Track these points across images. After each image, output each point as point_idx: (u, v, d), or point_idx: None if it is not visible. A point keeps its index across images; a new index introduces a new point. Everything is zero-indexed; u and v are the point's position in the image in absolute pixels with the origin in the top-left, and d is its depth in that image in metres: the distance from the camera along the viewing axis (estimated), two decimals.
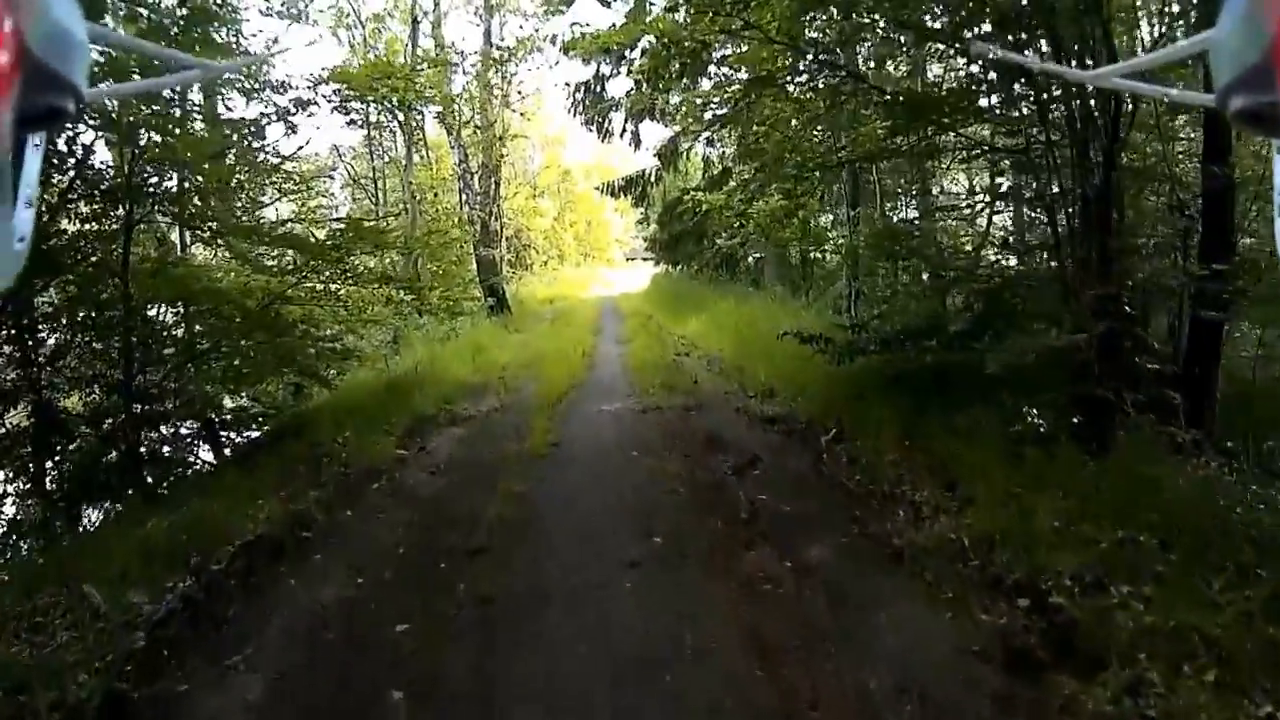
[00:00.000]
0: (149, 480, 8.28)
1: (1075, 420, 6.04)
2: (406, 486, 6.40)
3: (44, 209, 7.08)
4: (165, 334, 8.76)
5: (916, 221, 12.35)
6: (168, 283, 7.89)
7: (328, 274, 8.84)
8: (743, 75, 9.49)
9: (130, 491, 7.98)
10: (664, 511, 5.36)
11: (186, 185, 7.72)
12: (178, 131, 7.31)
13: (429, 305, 10.96)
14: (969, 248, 9.78)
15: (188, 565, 4.82)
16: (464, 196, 21.20)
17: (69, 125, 7.01)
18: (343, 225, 9.34)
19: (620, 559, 4.62)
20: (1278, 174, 0.65)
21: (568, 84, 19.13)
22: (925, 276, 9.45)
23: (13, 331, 7.57)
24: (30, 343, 7.81)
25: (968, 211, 11.16)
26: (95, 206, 7.61)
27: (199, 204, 8.13)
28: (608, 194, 21.03)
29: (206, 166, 7.39)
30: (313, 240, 8.99)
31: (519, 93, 21.20)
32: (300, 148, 13.18)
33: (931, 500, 5.05)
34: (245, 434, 10.05)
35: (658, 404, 8.50)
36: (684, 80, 10.38)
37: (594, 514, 5.41)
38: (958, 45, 7.08)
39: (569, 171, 38.31)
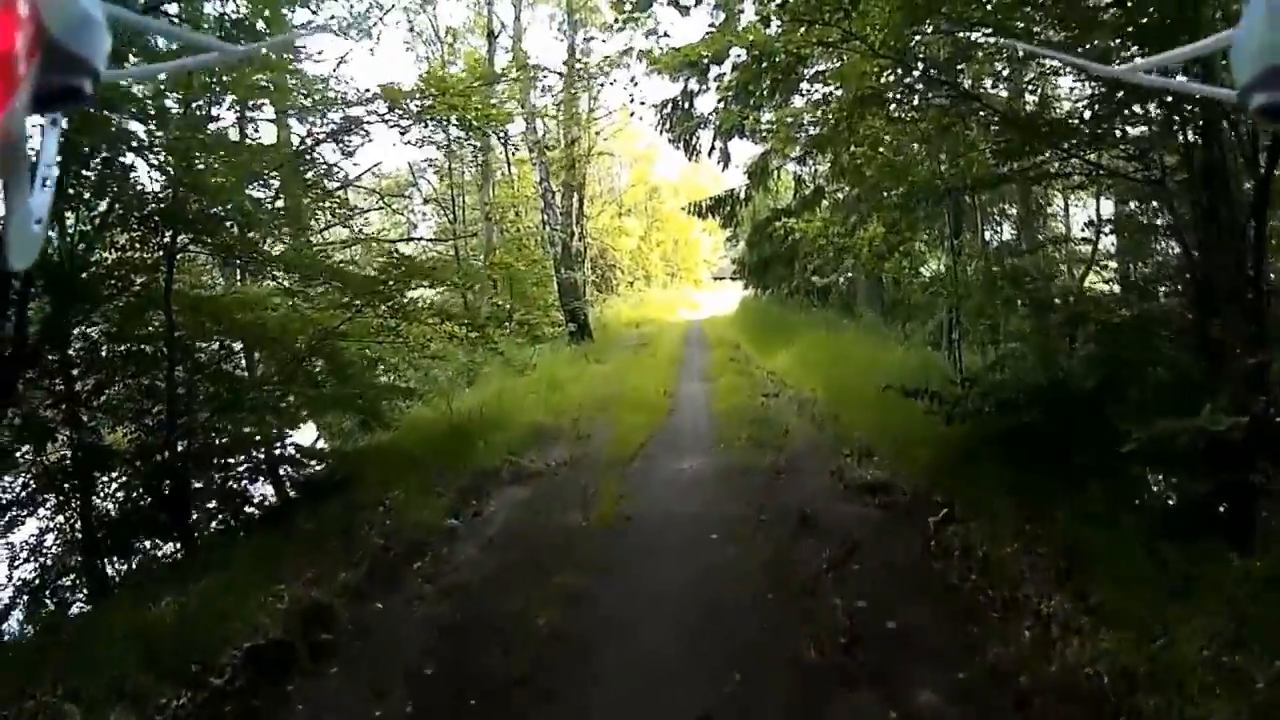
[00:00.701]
0: (193, 519, 7.79)
1: (1219, 508, 5.06)
2: (451, 568, 5.60)
3: (81, 237, 6.71)
4: (214, 368, 8.20)
5: (1023, 254, 11.25)
6: (210, 315, 7.34)
7: (382, 309, 8.17)
8: (839, 93, 8.45)
9: (172, 535, 7.54)
10: (747, 628, 4.40)
11: (225, 211, 7.13)
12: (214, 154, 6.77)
13: (492, 343, 10.15)
14: (1076, 285, 8.77)
15: (185, 677, 4.14)
16: (545, 216, 20.51)
17: (110, 147, 6.64)
18: (392, 261, 8.65)
19: (689, 707, 3.66)
20: None
21: (642, 102, 18.18)
22: (1029, 314, 8.20)
23: (53, 363, 7.16)
24: (70, 374, 7.37)
25: (1082, 245, 10.04)
26: (134, 234, 7.13)
27: (236, 233, 7.54)
28: (695, 214, 19.84)
29: (247, 193, 6.79)
30: (360, 275, 8.33)
31: (604, 109, 20.51)
32: (370, 169, 12.73)
33: (1059, 612, 4.06)
34: (305, 471, 9.44)
35: (743, 463, 7.55)
36: (775, 98, 9.41)
37: (662, 631, 4.46)
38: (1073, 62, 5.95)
39: (656, 189, 37.12)
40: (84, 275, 6.78)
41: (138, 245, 7.24)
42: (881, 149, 8.56)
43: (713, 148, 16.58)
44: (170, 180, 6.76)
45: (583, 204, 23.47)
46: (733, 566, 5.20)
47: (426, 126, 9.18)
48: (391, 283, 7.97)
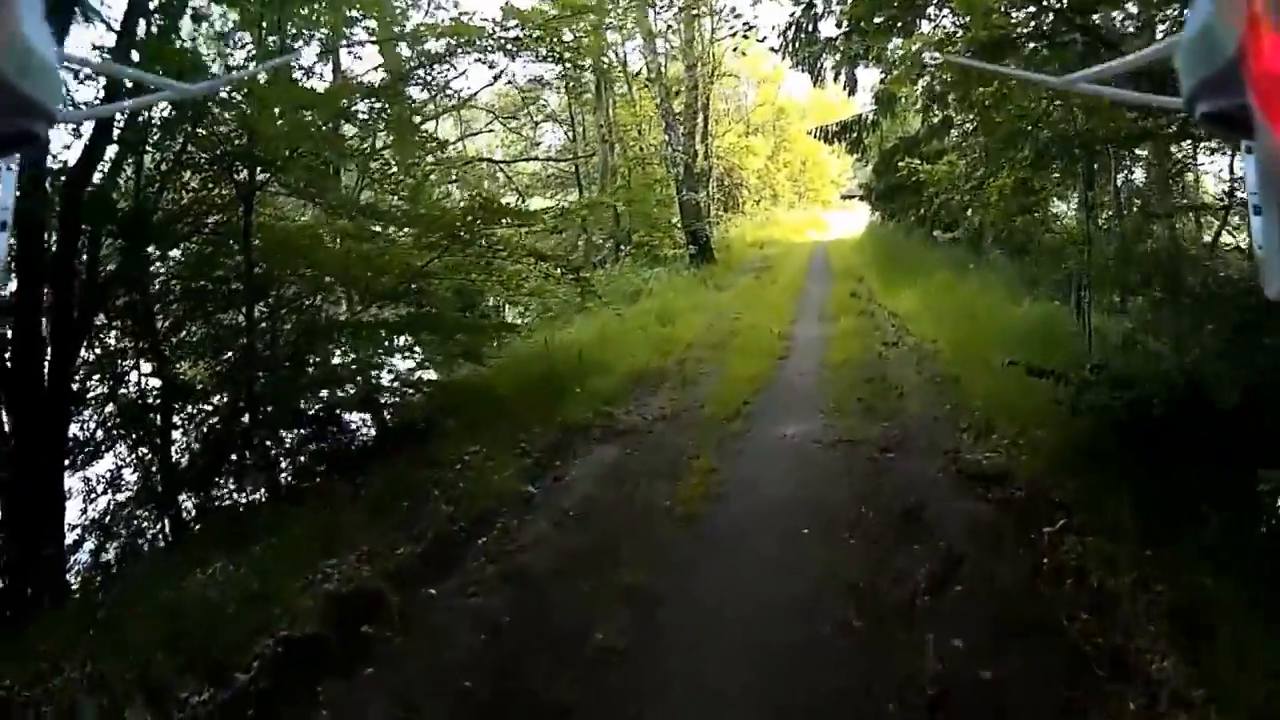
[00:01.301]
0: (275, 457, 7.63)
1: None
2: (517, 547, 5.06)
3: (149, 180, 6.49)
4: (297, 304, 7.90)
5: (1159, 218, 10.09)
6: (293, 252, 6.97)
7: (468, 251, 7.60)
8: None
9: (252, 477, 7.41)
10: (827, 667, 3.69)
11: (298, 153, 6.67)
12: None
13: (589, 287, 9.41)
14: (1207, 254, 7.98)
15: (212, 668, 3.79)
16: (668, 136, 19.75)
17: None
18: (474, 204, 7.99)
19: None
20: (1249, 176, 0.65)
21: (751, 27, 17.01)
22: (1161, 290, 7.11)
23: (127, 303, 7.06)
24: (151, 313, 7.31)
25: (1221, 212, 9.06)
26: (205, 174, 6.80)
27: (311, 174, 7.09)
28: (821, 139, 18.87)
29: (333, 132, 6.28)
30: (444, 215, 7.73)
31: (726, 28, 19.14)
32: (481, 89, 12.09)
33: (1171, 678, 3.29)
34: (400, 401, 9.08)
35: (851, 435, 6.69)
36: (894, 35, 8.35)
37: (728, 661, 3.80)
38: None
39: (784, 109, 35.68)
40: (156, 216, 6.50)
41: (210, 185, 6.89)
42: (1012, 98, 7.57)
43: (838, 73, 15.17)
44: (240, 121, 6.30)
45: (707, 124, 22.43)
46: (820, 578, 4.45)
47: (513, 59, 8.42)
48: (478, 224, 7.33)
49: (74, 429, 7.28)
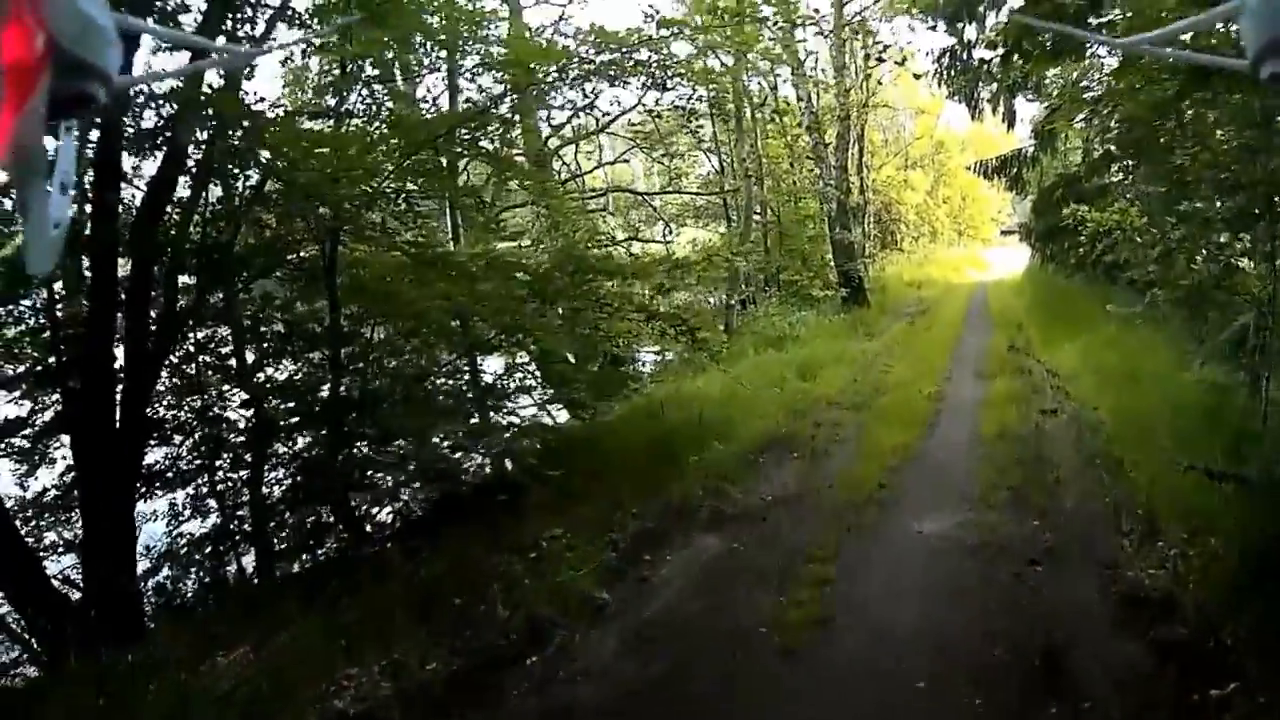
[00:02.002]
0: (355, 505, 7.09)
1: None
2: (569, 677, 4.15)
3: (218, 215, 6.15)
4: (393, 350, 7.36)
5: None
6: (367, 295, 6.41)
7: (560, 306, 6.80)
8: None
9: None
10: None
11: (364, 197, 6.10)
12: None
13: (705, 345, 8.32)
14: None
15: None
16: (819, 169, 18.68)
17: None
18: (570, 256, 7.16)
19: None
20: None
21: (898, 53, 16.10)
22: None
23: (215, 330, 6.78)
24: (241, 343, 7.05)
25: None
26: (277, 209, 6.36)
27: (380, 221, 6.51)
28: (980, 174, 18.04)
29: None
30: (537, 270, 6.93)
31: (879, 57, 17.93)
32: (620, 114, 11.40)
33: None
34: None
35: (995, 537, 5.55)
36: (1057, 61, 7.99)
37: None
38: None
39: (943, 142, 34.31)
40: (235, 249, 6.09)
41: (284, 221, 6.43)
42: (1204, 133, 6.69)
43: (995, 104, 14.95)
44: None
45: (862, 156, 21.15)
46: None
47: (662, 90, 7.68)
48: (569, 279, 6.52)
49: (155, 456, 7.07)
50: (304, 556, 7.22)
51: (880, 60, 17.55)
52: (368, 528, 7.27)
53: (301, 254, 6.62)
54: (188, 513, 7.35)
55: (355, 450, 7.04)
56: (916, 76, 15.42)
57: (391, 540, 6.52)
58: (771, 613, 4.60)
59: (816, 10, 16.47)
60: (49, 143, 0.59)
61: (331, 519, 7.28)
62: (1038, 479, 6.65)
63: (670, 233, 19.69)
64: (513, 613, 4.61)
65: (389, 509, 7.18)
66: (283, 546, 7.32)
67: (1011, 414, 8.80)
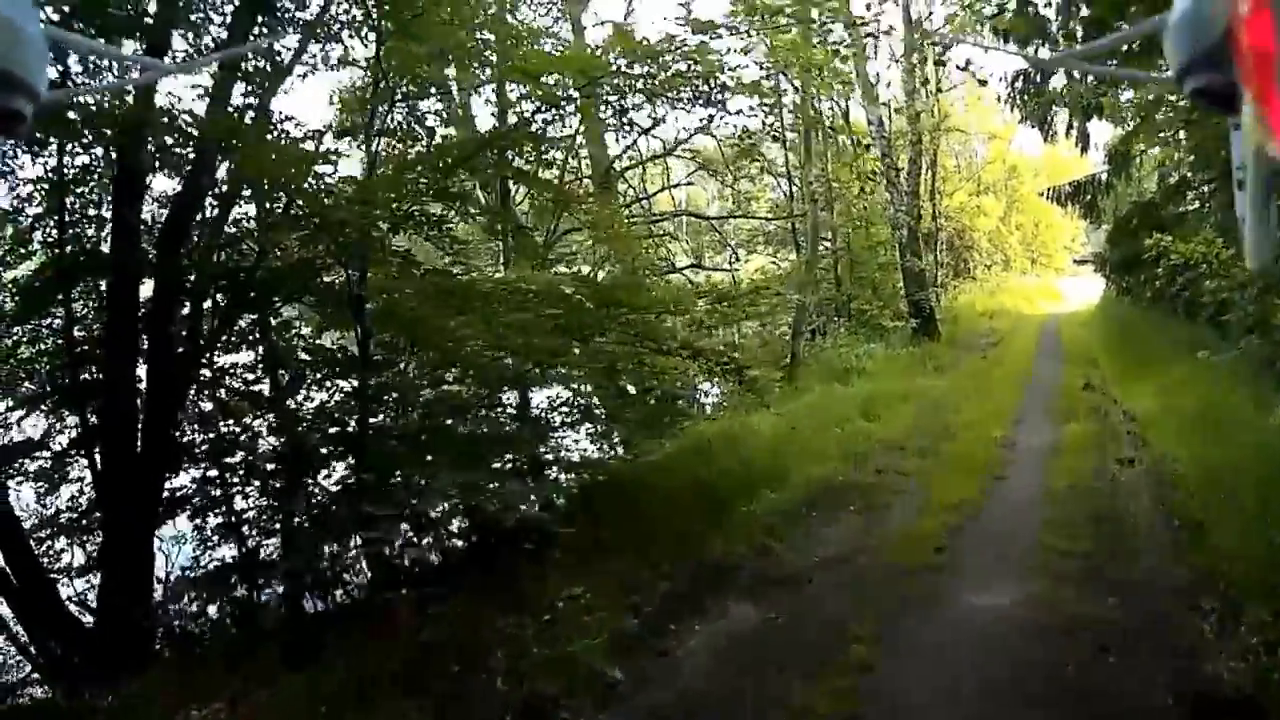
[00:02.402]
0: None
1: None
2: None
3: (236, 237, 5.94)
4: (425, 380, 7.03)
5: None
6: (396, 322, 6.09)
7: (597, 339, 6.36)
8: None
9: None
10: None
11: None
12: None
13: (754, 385, 7.76)
14: None
15: None
16: (890, 195, 18.25)
17: None
18: (597, 288, 6.74)
19: None
20: (1235, 152, 0.65)
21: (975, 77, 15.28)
22: None
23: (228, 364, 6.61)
24: (275, 368, 6.88)
25: None
26: (302, 233, 6.09)
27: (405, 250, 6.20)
28: (1053, 200, 17.42)
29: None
30: (573, 300, 6.51)
31: (948, 81, 17.37)
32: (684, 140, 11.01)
33: None
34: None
35: (1062, 617, 4.90)
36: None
37: None
38: None
39: (1016, 167, 33.98)
40: (258, 274, 5.84)
41: (309, 245, 6.16)
42: None
43: (1070, 128, 14.25)
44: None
45: (934, 181, 20.44)
46: None
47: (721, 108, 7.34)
48: (596, 312, 6.09)
49: (182, 480, 6.95)
50: (334, 592, 6.93)
51: (962, 68, 16.98)
52: (406, 561, 6.93)
53: (329, 278, 6.36)
54: (215, 539, 7.13)
55: (392, 484, 6.70)
56: (982, 83, 14.75)
57: (409, 585, 6.12)
58: (800, 703, 4.06)
59: (891, 27, 15.94)
60: None
61: (356, 556, 6.94)
62: (1111, 544, 6.05)
63: (736, 259, 19.24)
64: (513, 688, 4.15)
65: (416, 551, 6.80)
66: (308, 580, 7.02)
67: (1085, 463, 8.19)
